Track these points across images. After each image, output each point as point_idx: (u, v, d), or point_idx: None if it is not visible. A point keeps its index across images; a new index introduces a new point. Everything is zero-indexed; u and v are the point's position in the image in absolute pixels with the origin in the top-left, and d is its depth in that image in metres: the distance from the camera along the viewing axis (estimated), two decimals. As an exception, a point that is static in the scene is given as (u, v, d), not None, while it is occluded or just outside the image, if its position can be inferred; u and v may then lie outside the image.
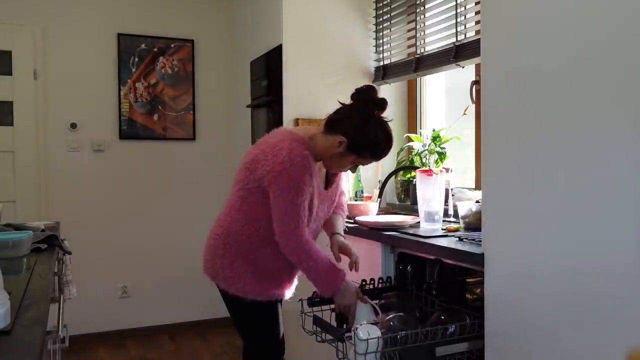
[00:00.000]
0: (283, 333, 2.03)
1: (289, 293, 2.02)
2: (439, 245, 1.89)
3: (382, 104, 1.83)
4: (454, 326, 1.71)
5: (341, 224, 2.10)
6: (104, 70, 3.90)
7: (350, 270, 1.95)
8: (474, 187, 2.72)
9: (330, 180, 2.02)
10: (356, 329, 1.63)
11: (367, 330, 1.63)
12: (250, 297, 1.89)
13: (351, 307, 1.84)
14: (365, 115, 1.81)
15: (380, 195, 2.80)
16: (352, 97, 1.86)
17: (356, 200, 3.06)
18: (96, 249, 3.86)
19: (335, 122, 1.84)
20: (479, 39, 1.69)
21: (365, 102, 1.83)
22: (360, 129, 1.80)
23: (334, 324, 1.89)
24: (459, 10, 2.66)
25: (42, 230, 2.19)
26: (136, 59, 3.96)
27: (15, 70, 3.65)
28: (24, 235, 1.85)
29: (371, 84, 3.35)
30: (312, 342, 2.01)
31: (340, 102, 1.89)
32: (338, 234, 2.04)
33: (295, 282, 2.05)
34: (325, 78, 3.27)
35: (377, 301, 2.00)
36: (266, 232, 1.84)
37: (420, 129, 3.24)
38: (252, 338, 2.01)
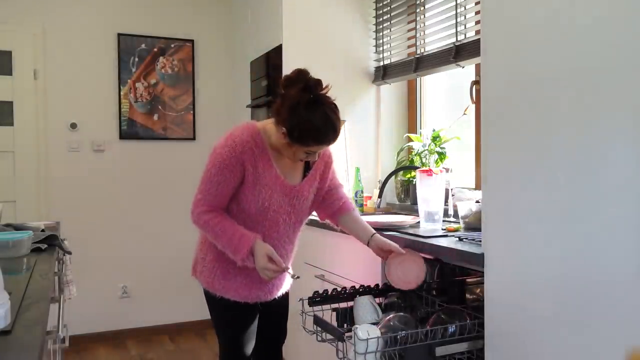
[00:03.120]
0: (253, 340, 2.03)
1: (264, 296, 1.99)
2: (439, 245, 1.89)
3: (313, 85, 1.73)
4: (454, 326, 1.71)
5: (362, 222, 2.02)
6: (104, 70, 3.90)
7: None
8: (474, 187, 2.72)
9: (308, 169, 1.95)
10: (356, 328, 1.63)
11: (367, 330, 1.63)
12: (219, 294, 1.94)
13: (265, 272, 1.79)
14: (294, 101, 1.70)
15: (380, 195, 2.80)
16: (280, 83, 1.77)
17: (356, 201, 3.07)
18: (96, 249, 3.86)
19: (275, 111, 1.77)
20: (479, 39, 1.69)
21: (297, 89, 1.72)
22: (291, 116, 1.70)
23: (334, 323, 1.89)
24: (459, 10, 2.66)
25: (42, 230, 2.20)
26: (136, 59, 3.96)
27: (15, 70, 3.65)
28: (24, 235, 1.85)
29: (373, 83, 3.35)
30: (312, 341, 2.01)
31: (279, 92, 1.79)
32: (373, 234, 1.96)
33: (282, 285, 2.03)
34: (325, 78, 3.25)
35: (378, 300, 2.00)
36: (238, 219, 1.86)
37: (420, 129, 3.24)
38: (219, 336, 2.05)
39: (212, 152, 1.85)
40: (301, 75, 1.75)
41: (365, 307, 1.88)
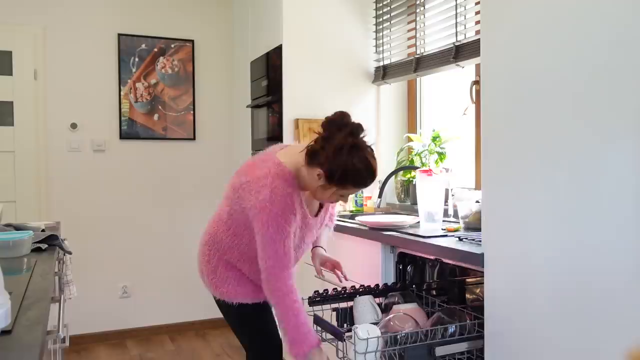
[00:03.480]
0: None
1: None
2: (439, 245, 1.89)
3: (356, 129, 1.72)
4: (454, 326, 1.71)
5: (325, 236, 2.14)
6: (104, 70, 3.90)
7: (341, 281, 1.99)
8: (474, 187, 2.72)
9: (321, 207, 1.99)
10: (356, 328, 1.64)
11: (367, 329, 1.63)
12: (236, 301, 1.92)
13: None
14: (339, 144, 1.68)
15: (380, 195, 2.80)
16: (323, 125, 1.75)
17: (356, 201, 3.07)
18: (96, 249, 3.86)
19: (313, 153, 1.74)
20: (479, 39, 1.70)
21: (337, 130, 1.71)
22: (335, 159, 1.68)
23: (334, 323, 1.89)
24: (459, 10, 2.66)
25: (42, 230, 2.20)
26: (136, 59, 3.96)
27: (16, 70, 3.65)
28: (24, 235, 1.85)
29: (373, 83, 3.35)
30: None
31: (315, 132, 1.77)
32: (319, 247, 2.09)
33: None
34: (325, 78, 3.27)
35: (378, 300, 2.00)
36: (249, 250, 1.84)
37: (420, 129, 3.24)
38: (248, 341, 2.01)
39: (258, 213, 1.73)
40: (345, 118, 1.74)
41: (365, 307, 1.88)
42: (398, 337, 1.64)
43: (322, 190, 1.77)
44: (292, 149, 1.89)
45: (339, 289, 2.00)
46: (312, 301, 1.97)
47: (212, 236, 1.93)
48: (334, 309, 1.97)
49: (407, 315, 1.79)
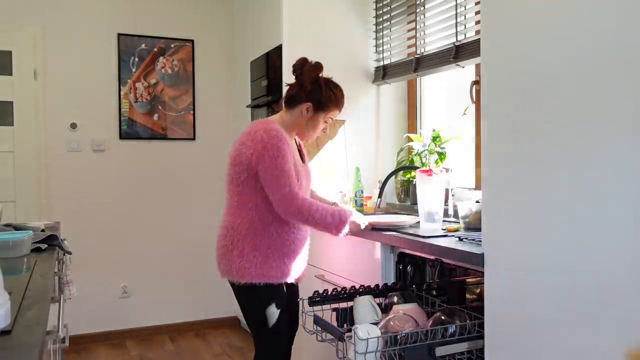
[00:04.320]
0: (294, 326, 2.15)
1: (298, 273, 2.13)
2: (439, 245, 1.89)
3: (318, 65, 2.12)
4: (454, 326, 1.71)
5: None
6: (104, 70, 3.90)
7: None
8: (474, 187, 2.72)
9: (302, 153, 2.22)
10: (356, 328, 1.63)
11: (367, 329, 1.63)
12: (264, 281, 1.99)
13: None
14: (313, 79, 2.10)
15: (380, 195, 2.80)
16: (294, 72, 2.13)
17: (356, 201, 3.07)
18: (96, 249, 3.86)
19: (292, 96, 2.12)
20: (479, 39, 1.69)
21: (307, 70, 2.10)
22: (316, 90, 2.09)
23: (334, 323, 1.89)
24: (459, 10, 2.66)
25: (42, 230, 2.19)
26: (136, 59, 3.96)
27: (15, 70, 3.65)
28: (24, 235, 1.85)
29: (373, 83, 3.35)
30: (312, 341, 2.01)
31: (286, 84, 2.17)
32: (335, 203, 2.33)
33: (305, 263, 2.17)
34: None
35: (378, 300, 2.00)
36: (263, 215, 2.00)
37: (420, 129, 3.24)
38: (261, 328, 2.04)
39: (261, 151, 1.94)
40: (306, 61, 2.13)
41: (364, 307, 1.88)
42: (398, 337, 1.64)
43: (311, 122, 2.12)
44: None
45: (339, 289, 2.00)
46: (312, 301, 1.97)
47: (229, 226, 2.04)
48: (333, 309, 1.97)
49: (407, 315, 1.79)
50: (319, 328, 1.85)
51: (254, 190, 1.98)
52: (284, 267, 2.03)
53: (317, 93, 2.09)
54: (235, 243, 2.01)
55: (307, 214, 1.94)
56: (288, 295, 2.10)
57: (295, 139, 2.21)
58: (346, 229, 2.02)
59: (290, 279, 2.08)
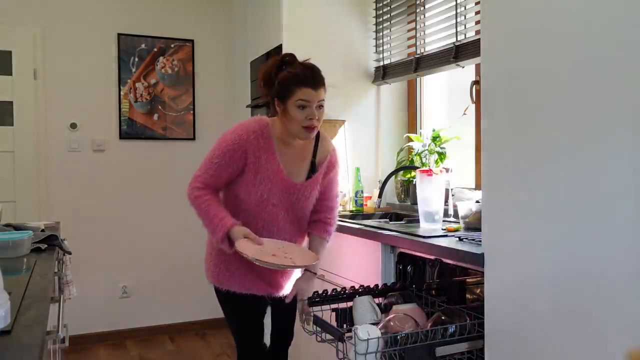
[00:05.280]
0: (270, 334, 2.08)
1: (273, 290, 2.00)
2: (439, 245, 1.89)
3: (283, 57, 1.90)
4: (454, 326, 1.71)
5: (321, 250, 2.05)
6: (104, 70, 3.90)
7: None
8: (474, 187, 2.72)
9: (314, 171, 1.98)
10: (356, 328, 1.63)
11: (367, 330, 1.62)
12: (225, 288, 1.95)
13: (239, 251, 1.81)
14: (264, 73, 1.91)
15: (380, 195, 2.80)
16: (259, 74, 1.96)
17: (356, 202, 3.07)
18: (96, 249, 3.86)
19: (264, 100, 1.98)
20: (479, 39, 1.69)
21: (267, 68, 1.91)
22: (271, 80, 1.88)
23: (333, 323, 1.89)
24: (459, 10, 2.66)
25: (42, 230, 2.19)
26: (136, 59, 3.96)
27: (15, 70, 3.65)
28: (24, 235, 1.85)
29: (373, 83, 3.35)
30: (312, 342, 2.01)
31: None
32: (310, 272, 2.00)
33: (288, 280, 2.03)
34: (325, 78, 3.26)
35: (377, 300, 2.00)
36: (239, 210, 1.90)
37: (420, 129, 3.24)
38: (231, 331, 2.06)
39: (221, 136, 1.93)
40: (272, 57, 1.97)
41: (364, 307, 1.88)
42: (398, 337, 1.63)
43: (287, 116, 1.86)
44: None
45: (339, 289, 2.00)
46: (312, 302, 1.96)
47: None
48: (333, 310, 1.97)
49: (407, 315, 1.79)
50: (318, 328, 1.85)
51: (225, 189, 1.96)
52: (249, 281, 1.93)
53: (270, 82, 1.89)
54: (208, 243, 2.02)
55: (195, 202, 1.88)
56: (275, 309, 2.06)
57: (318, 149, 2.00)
58: (219, 238, 1.82)
59: (257, 292, 1.96)
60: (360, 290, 2.00)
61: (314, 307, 1.96)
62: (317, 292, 1.97)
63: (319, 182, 2.00)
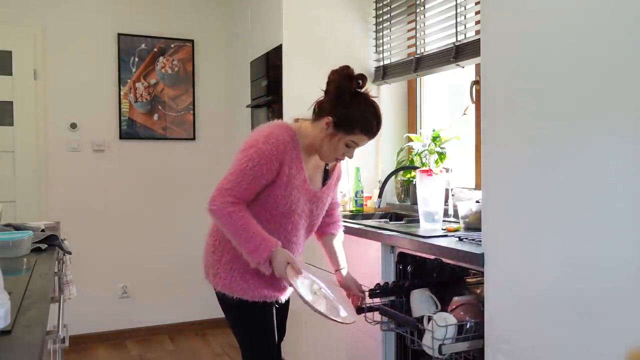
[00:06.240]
0: (280, 338, 2.03)
1: (283, 296, 1.99)
2: (439, 245, 1.89)
3: (361, 78, 1.82)
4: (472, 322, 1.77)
5: (341, 252, 2.11)
6: (104, 70, 3.90)
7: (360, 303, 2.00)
8: (474, 187, 2.72)
9: (327, 178, 2.00)
10: (434, 315, 1.70)
11: (444, 317, 1.69)
12: (237, 296, 1.87)
13: (285, 279, 1.78)
14: (342, 91, 1.79)
15: (380, 195, 2.80)
16: (329, 77, 1.85)
17: (356, 202, 3.07)
18: (96, 249, 3.86)
19: (320, 105, 1.84)
20: (479, 39, 1.69)
21: (340, 78, 1.81)
22: (343, 103, 1.78)
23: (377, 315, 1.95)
24: (459, 10, 2.66)
25: (42, 230, 2.19)
26: (136, 59, 3.96)
27: (15, 70, 3.65)
28: (24, 235, 1.85)
29: (373, 83, 3.35)
30: (312, 342, 2.01)
31: (322, 90, 1.86)
32: (342, 268, 2.06)
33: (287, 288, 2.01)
34: (325, 78, 3.25)
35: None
36: (258, 220, 1.82)
37: (420, 129, 3.24)
38: (242, 340, 1.97)
39: (250, 147, 1.79)
40: (348, 69, 1.82)
41: (423, 299, 1.93)
42: (468, 326, 1.71)
43: (329, 142, 1.81)
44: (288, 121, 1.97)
45: (390, 283, 2.07)
46: (373, 293, 2.02)
47: (217, 227, 1.90)
48: (383, 303, 2.03)
49: (470, 305, 1.83)
50: (384, 318, 1.94)
51: (252, 195, 1.81)
52: (262, 288, 1.88)
53: (342, 107, 1.78)
54: (217, 246, 1.91)
55: (228, 218, 1.74)
56: (271, 311, 1.99)
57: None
58: (262, 260, 1.74)
59: (269, 300, 1.92)
60: (415, 282, 2.04)
61: (374, 299, 2.03)
62: (378, 284, 2.05)
63: (332, 189, 2.03)
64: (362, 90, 1.84)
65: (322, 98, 1.85)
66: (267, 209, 1.83)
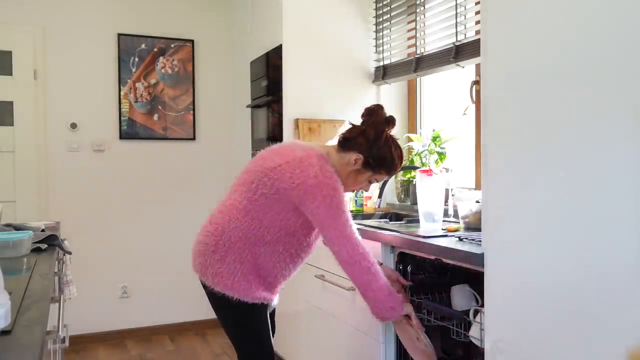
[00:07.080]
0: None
1: (276, 299, 2.01)
2: (439, 245, 1.89)
3: (392, 120, 1.92)
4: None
5: None
6: (104, 70, 3.90)
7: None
8: (474, 187, 2.72)
9: None
10: (478, 309, 1.72)
11: None
12: (237, 297, 1.85)
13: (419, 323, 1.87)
14: (378, 133, 1.88)
15: (380, 195, 2.80)
16: (363, 115, 1.93)
17: (356, 202, 3.07)
18: (96, 249, 3.86)
19: (349, 140, 1.90)
20: (479, 39, 1.69)
21: (377, 120, 1.90)
22: (375, 145, 1.87)
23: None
24: (459, 10, 2.66)
25: (42, 230, 2.19)
26: (136, 59, 3.96)
27: (15, 70, 3.65)
28: (24, 235, 1.85)
29: (373, 83, 3.35)
30: (311, 342, 2.00)
31: (351, 123, 1.96)
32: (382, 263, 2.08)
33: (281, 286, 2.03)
34: (325, 78, 3.27)
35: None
36: (267, 234, 1.84)
37: (420, 129, 3.24)
38: (240, 341, 1.96)
39: (314, 188, 1.78)
40: (382, 110, 1.93)
41: (464, 293, 1.94)
42: None
43: (355, 176, 1.92)
44: (308, 143, 2.05)
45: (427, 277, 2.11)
46: (416, 289, 2.05)
47: (222, 226, 1.88)
48: (418, 298, 2.05)
49: None
50: (425, 311, 1.98)
51: (270, 208, 1.83)
52: (262, 290, 1.90)
53: (375, 149, 1.88)
54: (219, 246, 1.87)
55: (368, 272, 1.78)
56: (263, 310, 1.98)
57: None
58: (391, 316, 1.82)
59: (264, 302, 1.93)
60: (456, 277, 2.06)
61: (415, 296, 2.05)
62: (420, 278, 2.08)
63: None
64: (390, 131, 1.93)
65: (351, 131, 1.92)
66: (298, 238, 1.90)
